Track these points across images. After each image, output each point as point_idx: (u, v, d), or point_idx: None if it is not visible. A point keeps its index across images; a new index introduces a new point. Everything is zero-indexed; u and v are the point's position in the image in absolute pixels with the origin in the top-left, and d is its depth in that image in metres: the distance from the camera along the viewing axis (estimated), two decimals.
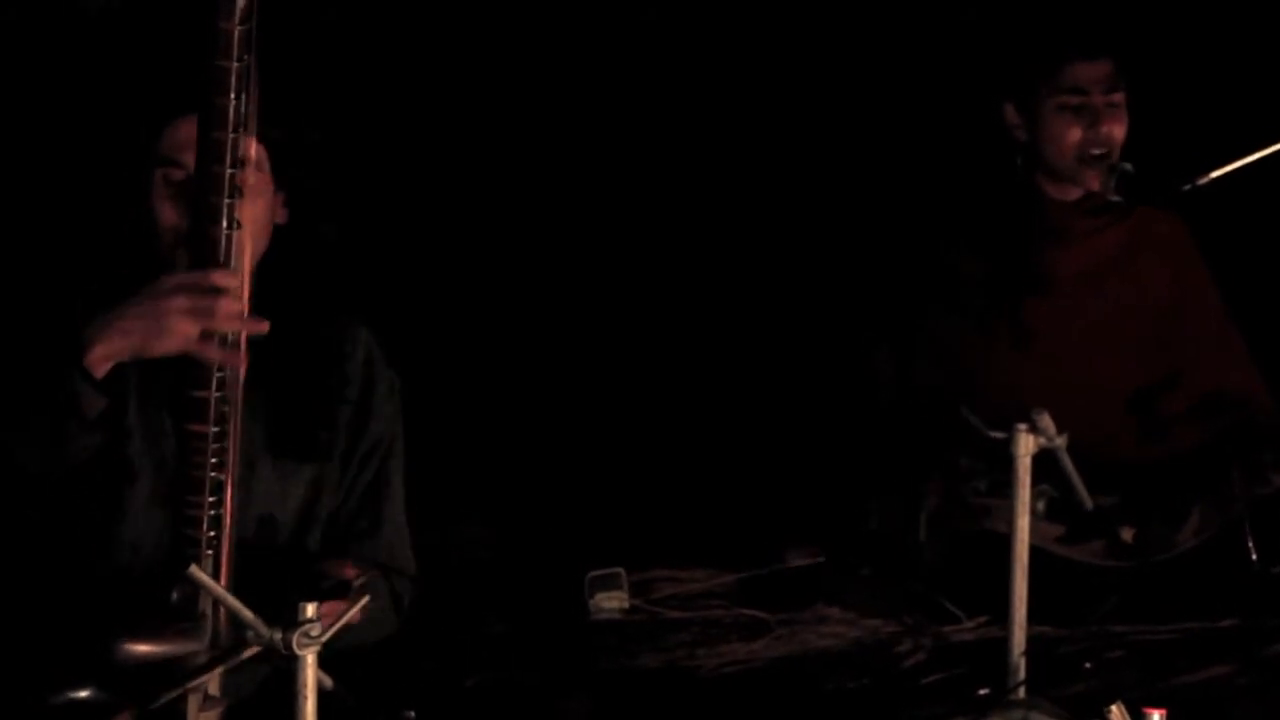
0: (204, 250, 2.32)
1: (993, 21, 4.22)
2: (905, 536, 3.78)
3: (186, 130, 2.57)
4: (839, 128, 4.67)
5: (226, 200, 2.29)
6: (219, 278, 2.36)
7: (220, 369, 2.36)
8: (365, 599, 2.27)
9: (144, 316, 2.39)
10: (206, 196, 2.28)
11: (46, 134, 3.81)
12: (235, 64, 2.21)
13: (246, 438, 2.47)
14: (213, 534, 2.37)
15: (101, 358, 2.43)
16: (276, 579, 2.56)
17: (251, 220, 2.43)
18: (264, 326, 2.42)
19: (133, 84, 2.84)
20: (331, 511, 2.83)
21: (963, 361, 3.92)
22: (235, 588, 2.30)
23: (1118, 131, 3.87)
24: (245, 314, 2.39)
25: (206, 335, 2.38)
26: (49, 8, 3.89)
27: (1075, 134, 3.88)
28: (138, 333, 2.40)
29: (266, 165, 2.67)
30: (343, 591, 2.49)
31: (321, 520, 2.83)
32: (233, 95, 2.22)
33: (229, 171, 2.27)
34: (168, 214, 2.65)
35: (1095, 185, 3.86)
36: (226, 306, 2.37)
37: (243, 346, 2.41)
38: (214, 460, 2.36)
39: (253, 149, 2.32)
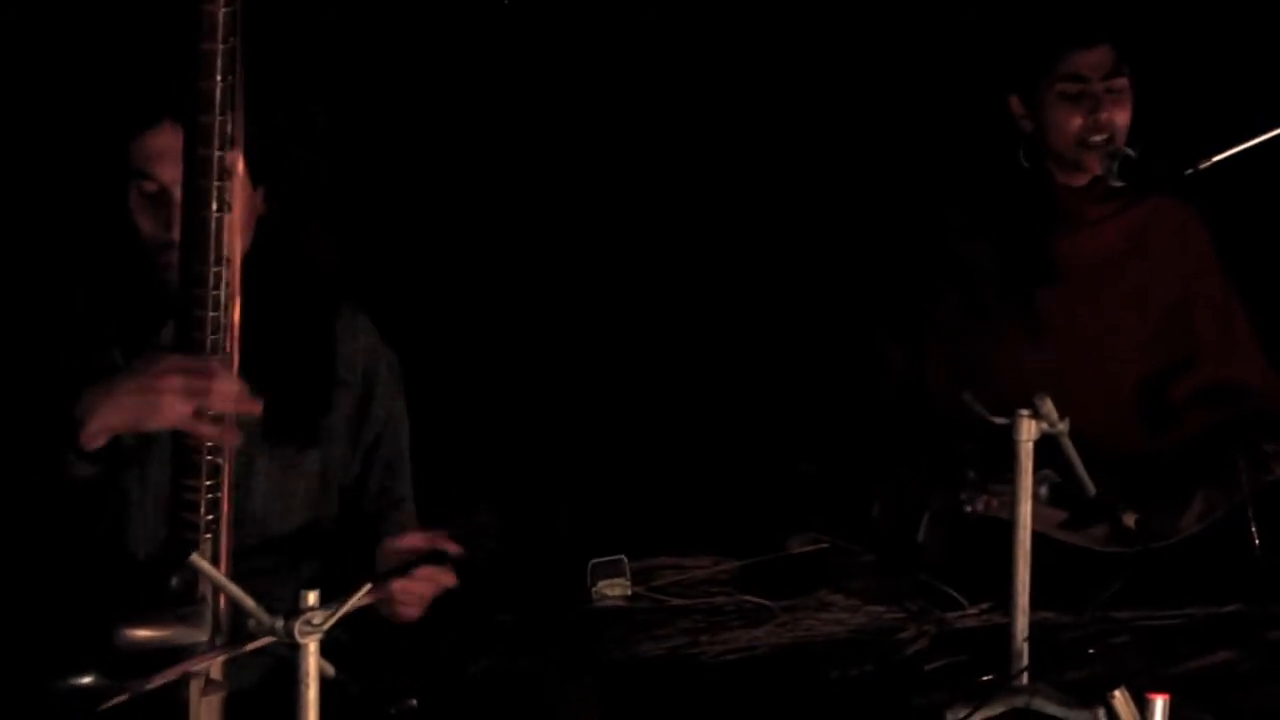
0: (195, 233, 2.33)
1: (995, 13, 4.22)
2: (906, 529, 3.78)
3: (153, 142, 2.65)
4: (849, 116, 4.67)
5: (216, 184, 2.30)
6: (215, 362, 2.38)
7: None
8: (368, 587, 2.27)
9: (137, 393, 2.41)
10: (195, 180, 2.30)
11: (29, 145, 3.83)
12: (221, 46, 2.23)
13: (243, 432, 2.47)
14: (211, 518, 2.38)
15: (95, 433, 2.46)
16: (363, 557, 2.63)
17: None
18: (257, 408, 2.44)
19: (104, 94, 2.87)
20: (353, 496, 2.86)
21: (973, 349, 3.92)
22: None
23: (1120, 117, 3.88)
24: (240, 394, 2.40)
25: (200, 412, 2.39)
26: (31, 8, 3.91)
27: (1076, 121, 3.88)
28: (130, 409, 2.42)
29: (241, 163, 2.68)
30: (440, 562, 2.57)
31: (333, 510, 2.84)
32: (219, 78, 2.24)
33: (217, 154, 2.29)
34: (146, 224, 2.70)
35: (1098, 170, 3.87)
36: (221, 388, 2.38)
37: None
38: (209, 444, 2.38)
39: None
